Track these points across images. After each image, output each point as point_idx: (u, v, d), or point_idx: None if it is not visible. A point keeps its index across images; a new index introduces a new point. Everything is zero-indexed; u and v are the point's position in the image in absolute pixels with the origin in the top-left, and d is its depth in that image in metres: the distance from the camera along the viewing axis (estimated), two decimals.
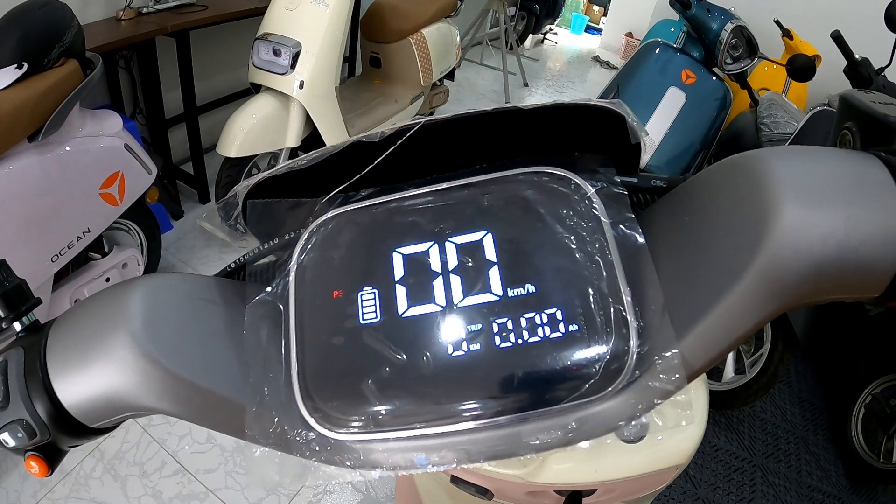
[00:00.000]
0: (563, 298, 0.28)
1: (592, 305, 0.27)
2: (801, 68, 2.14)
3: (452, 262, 0.30)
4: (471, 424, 0.27)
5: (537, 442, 0.27)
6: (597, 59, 5.76)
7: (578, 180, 0.31)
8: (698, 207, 0.29)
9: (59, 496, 1.56)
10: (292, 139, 2.17)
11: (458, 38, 3.06)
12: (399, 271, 0.30)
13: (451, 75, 3.17)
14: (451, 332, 0.28)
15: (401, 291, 0.30)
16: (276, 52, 2.08)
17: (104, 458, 1.67)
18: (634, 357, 0.26)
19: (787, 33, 3.09)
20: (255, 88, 2.23)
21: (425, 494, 0.86)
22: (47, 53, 1.44)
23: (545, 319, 0.27)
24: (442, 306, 0.29)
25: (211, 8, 2.32)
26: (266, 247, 0.34)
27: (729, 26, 2.47)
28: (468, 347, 0.28)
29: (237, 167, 2.15)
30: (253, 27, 2.19)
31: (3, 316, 0.32)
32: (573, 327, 0.27)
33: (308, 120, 2.20)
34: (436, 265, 0.30)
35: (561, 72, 5.50)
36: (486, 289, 0.29)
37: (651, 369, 0.26)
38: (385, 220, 0.32)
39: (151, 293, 0.30)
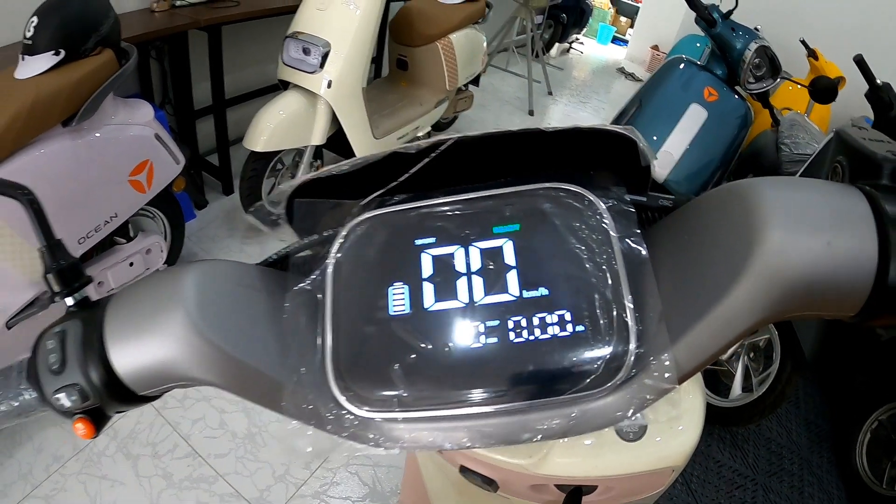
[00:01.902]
0: (573, 302, 0.31)
1: (598, 310, 0.30)
2: (822, 90, 2.15)
3: (475, 264, 0.33)
4: (484, 409, 0.30)
5: (545, 427, 0.30)
6: (622, 70, 5.76)
7: (592, 197, 0.34)
8: (697, 227, 0.32)
9: (70, 471, 1.60)
10: (318, 137, 2.22)
11: (485, 45, 3.09)
12: (427, 270, 0.33)
13: (476, 81, 3.20)
14: (472, 326, 0.31)
15: (428, 288, 0.33)
16: (306, 51, 2.13)
17: (118, 436, 1.71)
18: (633, 357, 0.29)
19: (812, 53, 3.09)
20: (284, 85, 2.27)
21: (432, 489, 0.89)
22: (84, 42, 1.49)
23: (555, 319, 0.31)
24: (464, 303, 0.32)
25: (242, 4, 2.39)
26: (307, 241, 0.37)
27: (752, 46, 2.47)
28: (486, 340, 0.31)
29: (262, 161, 2.19)
30: (282, 24, 2.23)
31: (57, 291, 0.36)
32: (580, 328, 0.30)
33: (334, 119, 2.24)
34: (460, 266, 0.33)
35: (585, 82, 5.50)
36: (504, 289, 0.32)
37: (647, 369, 0.29)
38: (416, 223, 0.35)
39: (204, 277, 0.33)
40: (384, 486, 1.67)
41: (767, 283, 0.26)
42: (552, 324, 0.30)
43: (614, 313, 0.30)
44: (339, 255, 0.35)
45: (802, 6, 3.90)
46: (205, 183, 2.65)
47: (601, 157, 0.36)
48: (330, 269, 0.35)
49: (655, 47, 5.70)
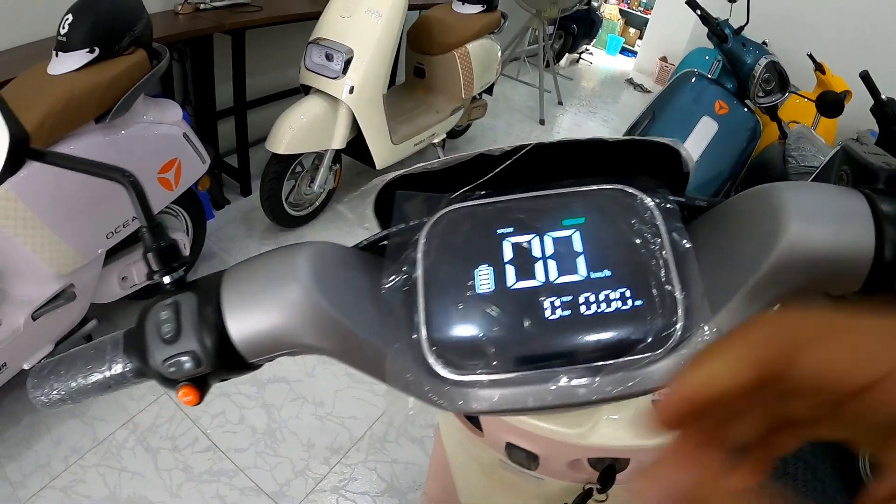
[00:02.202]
0: (631, 281, 0.37)
1: (652, 288, 0.37)
2: (829, 104, 2.20)
3: (549, 250, 0.39)
4: (560, 371, 0.36)
5: (608, 388, 0.35)
6: (630, 81, 5.80)
7: (643, 196, 0.40)
8: (730, 221, 0.39)
9: (89, 463, 1.63)
10: (338, 141, 2.26)
11: (500, 55, 3.14)
12: (508, 255, 0.39)
13: (489, 90, 3.25)
14: (548, 302, 0.37)
15: (510, 270, 0.38)
16: (329, 57, 2.17)
17: (137, 430, 1.74)
18: (680, 327, 0.35)
19: (819, 67, 3.13)
20: (305, 90, 2.32)
21: (460, 478, 0.92)
22: (118, 41, 1.53)
23: (617, 296, 0.37)
24: (541, 282, 0.38)
25: (265, 9, 2.42)
26: (398, 228, 0.42)
27: (763, 61, 2.52)
28: (561, 313, 0.37)
29: (283, 164, 2.24)
30: (301, 30, 2.27)
31: (156, 270, 0.38)
32: (638, 302, 0.36)
33: (353, 124, 2.29)
34: (536, 252, 0.39)
35: (594, 92, 5.55)
36: (574, 271, 0.38)
37: (692, 337, 0.35)
38: (497, 215, 0.41)
39: (315, 254, 0.37)
40: (402, 481, 1.70)
41: (788, 263, 0.33)
42: (615, 299, 0.37)
43: (665, 291, 0.36)
44: (428, 240, 0.40)
45: (809, 21, 3.95)
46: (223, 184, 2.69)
47: (646, 163, 0.42)
48: (421, 253, 0.39)
49: (664, 59, 5.75)
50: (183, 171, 1.79)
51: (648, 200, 0.40)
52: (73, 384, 0.38)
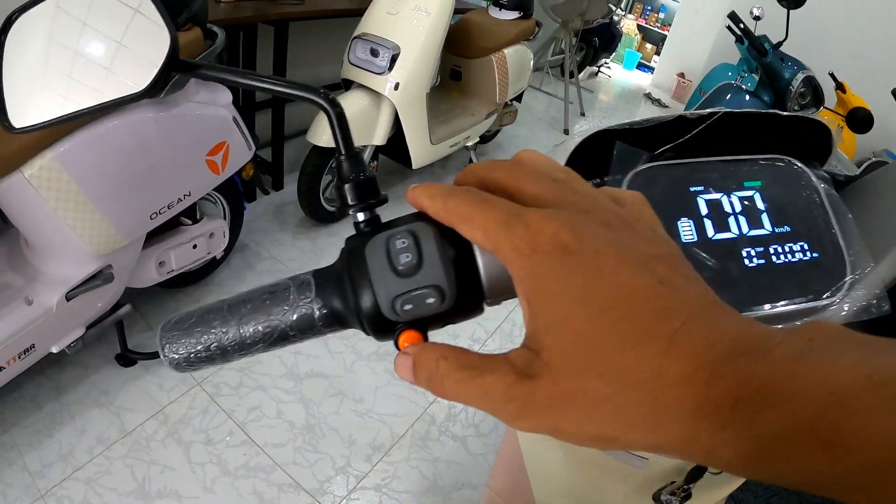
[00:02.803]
0: (808, 236, 0.43)
1: (825, 243, 0.43)
2: (860, 120, 2.28)
3: (737, 207, 0.44)
4: (756, 313, 0.41)
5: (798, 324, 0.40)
6: (648, 96, 5.84)
7: (802, 166, 0.46)
8: (875, 190, 0.47)
9: (116, 454, 1.57)
10: (380, 137, 2.24)
11: (532, 63, 3.14)
12: (704, 210, 0.44)
13: (519, 97, 3.25)
14: (744, 252, 0.43)
15: (707, 223, 0.44)
16: (374, 53, 2.16)
17: (168, 421, 1.69)
18: (850, 278, 0.41)
19: (840, 86, 3.16)
20: (346, 84, 2.30)
21: (538, 472, 0.88)
22: (175, 16, 1.49)
23: (798, 248, 0.43)
24: (736, 234, 0.44)
25: (308, 3, 2.42)
26: (602, 180, 0.45)
27: (800, 76, 2.55)
28: (756, 262, 0.43)
29: (323, 158, 2.22)
30: (341, 26, 2.25)
31: (352, 204, 0.34)
32: (815, 255, 0.43)
33: (394, 121, 2.27)
34: (727, 208, 0.44)
35: (612, 104, 5.58)
36: (761, 226, 0.44)
37: (858, 284, 0.40)
38: (688, 175, 0.46)
39: None
40: (445, 480, 1.66)
41: None
42: (797, 251, 0.43)
43: (832, 247, 0.42)
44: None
45: (830, 41, 3.97)
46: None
47: (792, 137, 0.49)
48: None
49: (682, 75, 5.78)
50: (231, 156, 1.75)
51: (808, 170, 0.46)
52: (230, 336, 0.33)
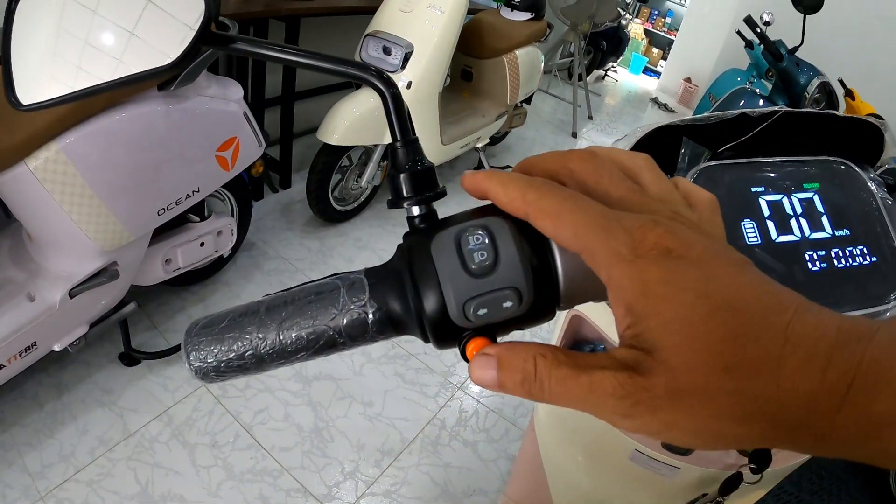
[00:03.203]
0: (866, 240, 0.42)
1: (881, 248, 0.42)
2: None
3: (798, 209, 0.43)
4: None
5: None
6: (655, 100, 5.83)
7: (858, 170, 0.46)
8: None
9: (119, 456, 1.53)
10: (390, 136, 2.20)
11: (542, 65, 3.11)
12: (766, 211, 0.43)
13: (528, 99, 3.22)
14: (808, 255, 0.42)
15: (770, 225, 0.43)
16: (387, 51, 2.13)
17: (172, 423, 1.65)
18: None
19: (849, 93, 3.15)
20: (357, 83, 2.27)
21: (558, 479, 0.85)
22: None
23: (858, 252, 0.42)
24: (798, 237, 0.43)
25: (317, 0, 2.38)
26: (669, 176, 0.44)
27: (815, 81, 2.55)
28: (819, 265, 0.42)
29: (333, 156, 2.18)
30: (352, 24, 2.22)
31: (406, 196, 0.31)
32: (874, 259, 0.42)
33: None
34: (788, 210, 0.43)
35: (618, 108, 5.57)
36: (823, 229, 0.43)
37: None
38: (748, 175, 0.45)
39: None
40: (456, 486, 1.63)
41: None
42: (857, 255, 0.42)
43: (892, 249, 0.42)
44: None
45: (838, 47, 3.96)
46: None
47: (848, 140, 0.49)
48: None
49: (688, 80, 5.77)
50: (241, 152, 1.71)
51: (862, 172, 0.46)
52: (268, 342, 0.29)
